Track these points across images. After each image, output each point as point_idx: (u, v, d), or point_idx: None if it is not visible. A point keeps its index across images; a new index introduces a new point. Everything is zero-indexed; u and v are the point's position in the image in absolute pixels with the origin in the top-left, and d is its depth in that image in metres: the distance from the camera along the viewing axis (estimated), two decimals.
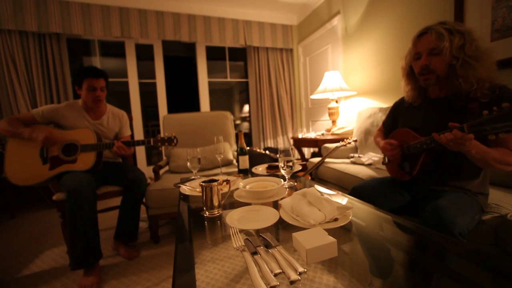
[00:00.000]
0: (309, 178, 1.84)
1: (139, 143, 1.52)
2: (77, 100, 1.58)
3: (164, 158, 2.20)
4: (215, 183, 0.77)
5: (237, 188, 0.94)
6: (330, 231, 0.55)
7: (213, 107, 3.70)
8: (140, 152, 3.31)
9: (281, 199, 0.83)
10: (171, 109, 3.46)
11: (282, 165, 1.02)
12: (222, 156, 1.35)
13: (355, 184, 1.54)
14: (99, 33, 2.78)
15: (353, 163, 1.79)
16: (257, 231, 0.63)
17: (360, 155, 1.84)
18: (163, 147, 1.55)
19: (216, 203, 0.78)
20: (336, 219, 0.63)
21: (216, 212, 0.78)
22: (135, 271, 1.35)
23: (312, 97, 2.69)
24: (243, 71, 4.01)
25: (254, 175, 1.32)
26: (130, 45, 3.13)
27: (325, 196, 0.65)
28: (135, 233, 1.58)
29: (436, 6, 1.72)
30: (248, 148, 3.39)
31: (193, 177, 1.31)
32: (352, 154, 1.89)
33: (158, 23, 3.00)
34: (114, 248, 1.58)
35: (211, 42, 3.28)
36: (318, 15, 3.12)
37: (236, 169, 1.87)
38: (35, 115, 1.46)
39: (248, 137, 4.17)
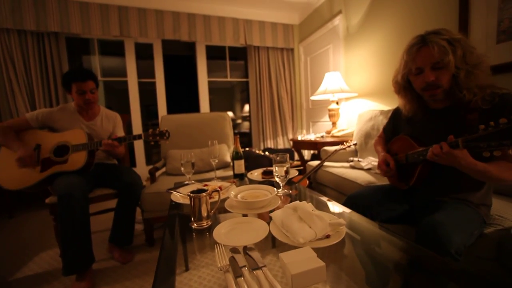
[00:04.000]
0: (307, 182, 1.81)
1: (130, 138, 1.46)
2: (71, 103, 1.56)
3: (162, 159, 2.17)
4: (204, 194, 0.74)
5: (228, 197, 0.91)
6: (322, 249, 0.52)
7: (215, 105, 3.68)
8: (139, 151, 3.30)
9: (274, 210, 0.80)
10: (171, 108, 3.43)
11: (276, 173, 0.99)
12: (216, 161, 1.32)
13: (353, 190, 1.52)
14: (98, 32, 2.76)
15: (352, 167, 1.75)
16: (245, 247, 0.60)
17: (359, 159, 1.80)
18: (159, 142, 1.50)
19: (204, 213, 0.75)
20: (328, 236, 0.60)
21: (204, 224, 0.75)
22: (128, 276, 1.33)
23: (312, 98, 2.64)
24: (244, 70, 3.97)
25: (250, 180, 1.29)
26: (130, 44, 3.11)
27: (317, 211, 0.61)
28: (130, 237, 1.56)
29: (440, 6, 1.66)
30: (247, 149, 3.35)
31: (186, 182, 1.28)
32: (351, 158, 1.85)
33: (158, 22, 2.96)
34: (109, 251, 1.57)
35: (211, 41, 3.24)
36: (319, 14, 3.07)
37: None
38: (29, 120, 1.44)
39: (248, 137, 4.14)
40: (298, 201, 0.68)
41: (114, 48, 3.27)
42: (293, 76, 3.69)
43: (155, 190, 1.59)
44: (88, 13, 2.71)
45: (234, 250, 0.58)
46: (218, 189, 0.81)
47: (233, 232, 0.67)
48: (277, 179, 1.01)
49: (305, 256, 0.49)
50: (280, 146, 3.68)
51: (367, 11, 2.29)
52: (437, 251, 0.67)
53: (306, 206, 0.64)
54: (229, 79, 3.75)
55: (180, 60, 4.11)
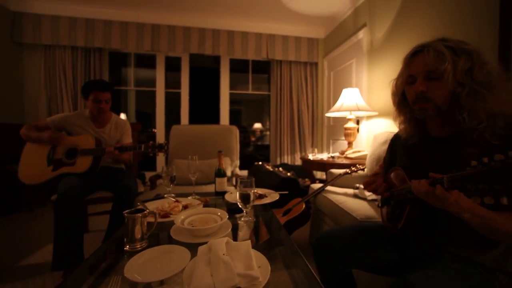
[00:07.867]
0: (304, 206, 1.65)
1: (131, 148, 1.54)
2: (85, 110, 1.73)
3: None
4: (139, 215, 0.72)
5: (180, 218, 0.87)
6: None
7: (244, 116, 3.72)
8: (161, 155, 3.50)
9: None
10: (195, 117, 3.60)
11: (238, 198, 0.91)
12: (196, 176, 1.30)
13: (348, 222, 1.33)
14: (133, 47, 3.09)
15: (355, 196, 1.54)
16: (147, 284, 0.54)
17: None
18: (157, 154, 1.55)
19: (138, 235, 0.72)
20: None
21: (138, 246, 0.72)
22: None
23: (327, 115, 2.47)
24: (269, 83, 3.97)
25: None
26: (161, 58, 3.39)
27: (226, 258, 0.52)
28: None
29: (476, 19, 1.40)
30: (260, 163, 3.25)
31: (166, 195, 1.28)
32: (357, 185, 1.64)
33: (185, 37, 3.18)
34: None
35: (233, 55, 3.33)
36: (344, 28, 2.91)
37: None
38: (49, 123, 1.64)
39: (267, 150, 4.08)
40: (223, 239, 0.60)
41: (148, 61, 3.61)
42: (315, 91, 3.54)
43: (148, 197, 1.64)
44: (126, 30, 3.05)
45: (133, 286, 0.53)
46: (154, 211, 0.77)
47: (150, 263, 0.62)
48: (239, 205, 0.93)
49: None
50: (297, 162, 3.51)
51: (393, 24, 2.08)
52: None
53: (220, 247, 0.55)
54: (250, 91, 3.78)
55: (207, 72, 4.32)
